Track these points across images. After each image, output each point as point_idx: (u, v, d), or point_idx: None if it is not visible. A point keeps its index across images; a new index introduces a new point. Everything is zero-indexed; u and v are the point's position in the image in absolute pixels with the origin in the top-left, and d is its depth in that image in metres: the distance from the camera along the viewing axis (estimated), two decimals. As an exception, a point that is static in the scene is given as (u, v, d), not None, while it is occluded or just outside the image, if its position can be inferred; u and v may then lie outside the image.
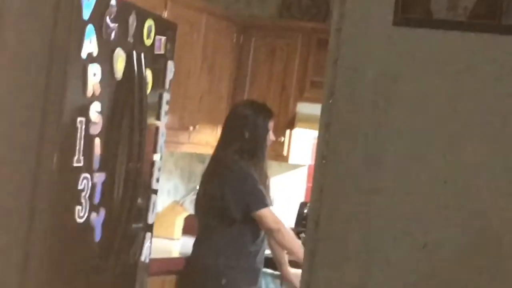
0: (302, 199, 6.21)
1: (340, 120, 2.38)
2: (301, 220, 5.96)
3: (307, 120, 5.91)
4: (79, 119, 3.37)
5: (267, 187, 4.66)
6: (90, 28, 3.38)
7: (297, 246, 4.58)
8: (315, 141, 5.69)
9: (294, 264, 4.87)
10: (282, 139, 5.98)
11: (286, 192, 6.17)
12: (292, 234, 4.63)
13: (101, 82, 3.46)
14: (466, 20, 2.34)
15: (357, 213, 2.31)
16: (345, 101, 2.39)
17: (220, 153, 4.66)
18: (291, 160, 6.07)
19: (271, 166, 5.88)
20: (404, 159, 2.30)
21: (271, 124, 4.69)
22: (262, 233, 4.58)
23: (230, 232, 4.48)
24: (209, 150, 4.95)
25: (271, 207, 4.52)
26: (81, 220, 3.43)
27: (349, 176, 2.33)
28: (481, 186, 2.25)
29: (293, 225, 6.03)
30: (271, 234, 4.51)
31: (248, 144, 4.58)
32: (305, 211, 5.97)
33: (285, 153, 6.03)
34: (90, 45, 3.39)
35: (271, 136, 4.69)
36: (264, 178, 4.64)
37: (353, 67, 2.40)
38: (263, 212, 4.48)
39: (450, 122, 2.30)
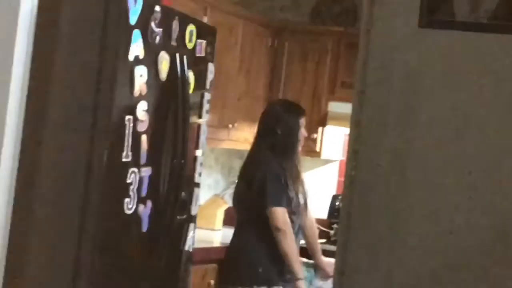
0: (334, 192, 6.22)
1: (370, 117, 2.40)
2: (334, 212, 5.97)
3: (338, 118, 5.92)
4: (127, 117, 3.39)
5: (299, 181, 4.65)
6: (136, 32, 3.40)
7: (294, 252, 4.51)
8: (346, 137, 5.72)
9: (328, 254, 4.88)
10: (315, 136, 6.00)
11: (319, 186, 6.18)
12: (293, 240, 4.52)
13: (147, 82, 3.48)
14: (487, 21, 2.36)
15: (386, 203, 2.33)
16: (375, 99, 2.41)
17: (255, 149, 4.67)
18: (323, 156, 6.09)
19: (305, 161, 5.91)
20: (431, 152, 2.32)
21: (302, 121, 4.68)
22: (296, 226, 4.58)
23: (262, 224, 4.50)
24: (247, 146, 4.98)
25: (283, 208, 4.46)
26: (130, 212, 3.45)
27: (378, 169, 2.35)
28: (503, 175, 2.27)
29: (326, 217, 6.05)
30: (277, 232, 4.46)
31: (280, 140, 4.58)
32: (337, 203, 5.97)
33: (317, 149, 6.05)
34: (136, 49, 3.41)
35: (303, 133, 4.69)
36: (296, 172, 4.62)
37: (382, 66, 2.42)
38: (275, 210, 4.45)
39: (473, 115, 2.32)
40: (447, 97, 2.35)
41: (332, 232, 5.93)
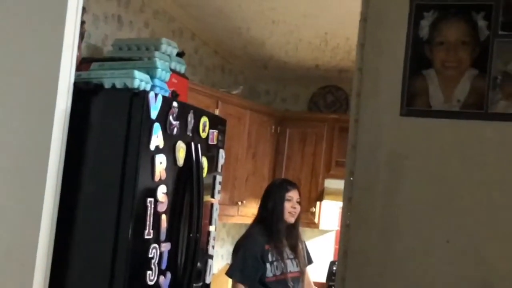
0: (331, 259, 6.14)
1: (360, 194, 2.37)
2: (331, 276, 5.88)
3: (334, 193, 5.88)
4: (149, 199, 3.37)
5: (297, 250, 4.54)
6: (157, 125, 3.40)
7: None
8: (340, 210, 5.68)
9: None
10: (313, 209, 5.95)
11: (318, 253, 6.11)
12: None
13: (166, 169, 3.46)
14: (459, 110, 2.34)
15: (376, 271, 2.29)
16: (363, 178, 2.38)
17: (249, 225, 4.59)
18: (321, 227, 6.03)
19: (305, 232, 5.85)
20: (414, 224, 2.28)
21: (290, 194, 4.52)
22: None
23: None
24: (254, 221, 4.91)
25: (239, 282, 4.24)
26: (152, 283, 3.40)
27: (368, 240, 2.31)
28: (481, 248, 2.23)
29: (324, 280, 5.96)
30: None
31: (266, 212, 4.51)
32: (334, 268, 5.89)
33: (316, 220, 5.99)
34: (157, 139, 3.41)
35: (290, 205, 4.52)
36: (279, 242, 4.49)
37: (369, 150, 2.39)
38: (232, 281, 4.29)
39: (448, 191, 2.29)
40: (426, 174, 2.33)
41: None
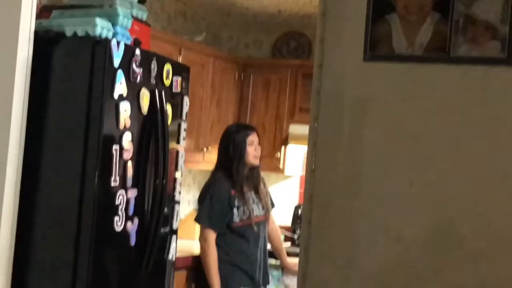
0: (296, 203, 6.19)
1: (324, 139, 2.38)
2: (296, 219, 5.93)
3: (298, 138, 5.89)
4: (114, 147, 3.36)
5: (260, 195, 4.55)
6: (120, 73, 3.37)
7: (212, 265, 4.34)
8: (305, 155, 5.71)
9: (293, 255, 4.84)
10: (278, 154, 5.97)
11: (283, 198, 6.16)
12: (211, 255, 4.34)
13: (130, 116, 3.45)
14: (422, 54, 2.34)
15: (341, 214, 2.30)
16: (327, 123, 2.39)
17: (212, 172, 4.59)
18: (286, 172, 6.06)
19: (270, 177, 5.87)
20: (377, 166, 2.30)
21: (250, 138, 4.53)
22: (252, 234, 4.47)
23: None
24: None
25: (208, 227, 4.32)
26: (119, 229, 3.41)
27: (333, 184, 2.32)
28: (445, 191, 2.25)
29: (290, 224, 6.01)
30: (200, 246, 4.38)
31: (228, 158, 4.51)
32: (299, 212, 5.94)
33: (281, 166, 6.02)
34: (120, 87, 3.38)
35: (250, 149, 4.51)
36: (244, 187, 4.47)
37: (333, 95, 2.40)
38: (200, 227, 4.38)
39: (408, 133, 2.31)
40: (388, 118, 2.34)
41: (295, 236, 5.89)
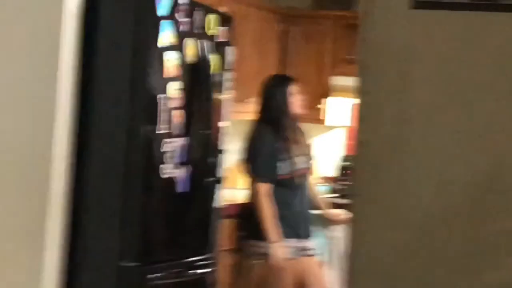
0: (339, 154, 6.18)
1: (373, 89, 2.39)
2: (343, 171, 5.95)
3: (340, 90, 5.90)
4: (159, 96, 3.40)
5: (299, 146, 4.57)
6: (164, 23, 3.40)
7: (269, 217, 4.38)
8: (351, 106, 5.70)
9: (337, 206, 4.87)
10: (319, 106, 5.98)
11: (326, 149, 6.18)
12: (268, 208, 4.39)
13: (175, 66, 3.48)
14: (470, 1, 2.33)
15: (390, 162, 2.32)
16: (376, 72, 2.39)
17: (252, 124, 4.60)
18: (326, 123, 6.08)
19: (311, 128, 5.89)
20: (426, 114, 2.31)
21: (290, 89, 4.55)
22: (298, 187, 4.50)
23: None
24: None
25: (264, 182, 4.36)
26: (166, 176, 3.47)
27: (383, 134, 2.34)
28: (489, 134, 2.26)
29: (335, 174, 6.03)
30: (255, 196, 4.41)
31: (270, 109, 4.52)
32: (345, 163, 5.94)
33: (322, 117, 6.04)
34: (165, 37, 3.41)
35: (292, 99, 4.53)
36: (294, 138, 4.53)
37: (380, 44, 2.40)
38: (253, 180, 4.43)
39: (459, 82, 2.31)
40: (436, 67, 2.34)
41: (340, 187, 5.88)
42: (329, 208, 4.91)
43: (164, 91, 3.42)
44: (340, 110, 6.14)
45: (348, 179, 5.63)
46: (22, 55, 3.32)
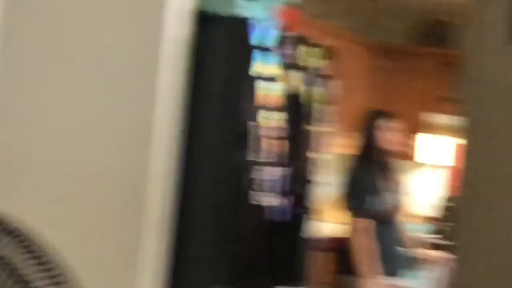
0: (436, 193, 6.06)
1: (476, 129, 2.34)
2: (444, 211, 5.83)
3: (433, 127, 5.84)
4: (250, 123, 3.41)
5: (389, 182, 4.53)
6: (264, 53, 3.43)
7: (361, 257, 4.35)
8: (451, 145, 5.59)
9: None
10: (410, 142, 5.94)
11: (419, 187, 6.10)
12: (362, 247, 4.36)
13: (275, 96, 3.51)
14: None
15: (499, 209, 2.26)
16: (478, 112, 2.35)
17: (351, 157, 4.59)
18: (418, 160, 6.02)
19: (401, 164, 5.84)
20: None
21: (384, 124, 4.54)
22: (388, 222, 4.46)
23: None
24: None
25: (359, 218, 4.32)
26: (255, 203, 3.47)
27: (490, 173, 2.30)
28: None
29: (429, 213, 5.93)
30: (351, 231, 4.37)
31: (365, 144, 4.50)
32: (446, 203, 5.84)
33: (413, 153, 5.99)
34: (261, 66, 3.43)
35: (385, 134, 4.53)
36: (384, 174, 4.51)
37: (483, 83, 2.36)
38: (348, 215, 4.39)
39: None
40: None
41: (438, 227, 5.76)
42: (422, 247, 4.84)
43: (255, 119, 3.43)
44: (433, 148, 6.08)
45: (448, 220, 5.56)
46: (120, 80, 3.39)
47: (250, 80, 3.41)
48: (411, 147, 5.95)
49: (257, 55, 3.42)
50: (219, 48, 3.43)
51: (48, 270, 1.72)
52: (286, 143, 3.62)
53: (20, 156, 3.45)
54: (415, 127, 5.93)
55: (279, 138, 3.58)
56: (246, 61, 3.39)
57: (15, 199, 3.32)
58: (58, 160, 3.41)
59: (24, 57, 3.47)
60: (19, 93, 3.48)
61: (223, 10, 3.46)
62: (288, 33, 3.60)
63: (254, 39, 3.40)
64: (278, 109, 3.54)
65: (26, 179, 3.43)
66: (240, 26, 3.40)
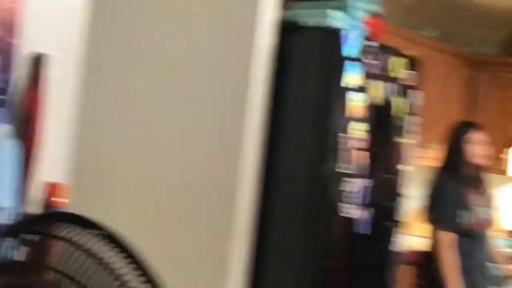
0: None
1: None
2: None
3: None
4: (340, 135, 3.41)
5: (480, 196, 4.44)
6: (351, 64, 3.42)
7: (448, 273, 4.18)
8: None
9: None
10: (502, 155, 5.80)
11: (507, 200, 5.97)
12: (448, 260, 4.20)
13: (360, 107, 3.49)
14: None
15: None
16: None
17: (435, 169, 4.51)
18: (509, 173, 5.88)
19: (492, 178, 5.71)
20: None
21: (471, 136, 4.39)
22: (478, 236, 4.35)
23: None
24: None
25: (446, 231, 4.19)
26: (345, 215, 3.47)
27: None
28: None
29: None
30: (436, 244, 4.24)
31: (451, 156, 4.40)
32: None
33: (504, 167, 5.85)
34: (349, 77, 3.42)
35: (474, 147, 4.36)
36: (470, 187, 4.33)
37: None
38: (434, 229, 4.27)
39: None
40: None
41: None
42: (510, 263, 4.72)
43: (344, 130, 3.42)
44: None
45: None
46: (211, 90, 3.43)
47: (340, 91, 3.40)
48: (502, 160, 5.81)
49: (347, 65, 3.41)
50: (310, 58, 3.45)
51: (143, 275, 1.78)
52: (372, 155, 3.59)
53: (109, 167, 3.52)
54: (506, 139, 5.80)
55: (366, 149, 3.56)
56: (336, 72, 3.39)
57: (108, 206, 3.39)
58: (148, 170, 3.47)
59: (111, 69, 3.55)
60: (108, 107, 3.56)
61: (313, 20, 3.47)
62: (374, 43, 3.57)
63: (344, 50, 3.40)
64: (364, 120, 3.52)
65: (116, 188, 3.50)
66: (331, 36, 3.41)
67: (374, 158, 3.63)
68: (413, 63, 4.00)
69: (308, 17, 3.50)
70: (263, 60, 3.40)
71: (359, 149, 3.53)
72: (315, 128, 3.40)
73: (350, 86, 3.43)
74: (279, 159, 3.47)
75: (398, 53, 3.83)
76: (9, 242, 1.89)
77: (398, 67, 3.80)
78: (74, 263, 1.76)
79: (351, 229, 3.54)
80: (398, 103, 3.77)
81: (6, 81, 2.93)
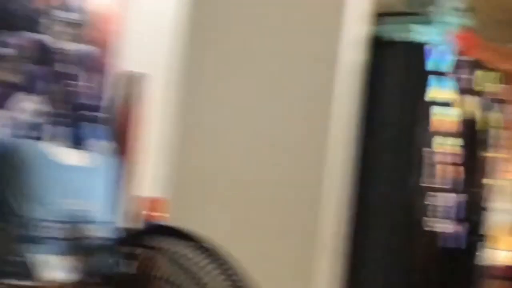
0: None
1: None
2: None
3: None
4: (424, 149, 3.40)
5: None
6: (440, 78, 3.43)
7: None
8: None
9: None
10: None
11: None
12: None
13: (449, 121, 3.49)
14: None
15: None
16: None
17: None
18: None
19: None
20: None
21: None
22: None
23: None
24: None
25: None
26: (429, 229, 3.45)
27: None
28: None
29: None
30: None
31: None
32: None
33: None
34: (434, 91, 3.42)
35: None
36: None
37: None
38: None
39: None
40: None
41: None
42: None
43: (429, 144, 3.42)
44: None
45: None
46: (298, 100, 3.44)
47: (425, 106, 3.41)
48: None
49: (432, 80, 3.41)
50: (395, 73, 3.47)
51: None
52: (461, 169, 3.57)
53: (207, 179, 3.58)
54: None
55: (454, 164, 3.54)
56: (421, 86, 3.40)
57: (206, 217, 3.44)
58: (248, 182, 3.51)
59: (207, 85, 3.62)
60: (205, 121, 3.62)
61: (398, 35, 3.48)
62: (464, 57, 3.56)
63: (429, 64, 3.40)
64: (454, 134, 3.51)
65: (215, 199, 3.55)
66: (416, 51, 3.41)
67: (462, 172, 3.61)
68: (502, 77, 3.96)
69: (394, 32, 3.51)
70: (349, 75, 3.42)
71: (451, 163, 3.51)
72: (400, 143, 3.41)
73: (437, 100, 3.42)
74: (366, 173, 3.47)
75: (489, 68, 3.81)
76: (116, 255, 1.96)
77: (490, 82, 3.77)
78: (179, 275, 1.82)
79: (438, 243, 3.52)
80: (490, 118, 3.74)
81: (104, 99, 3.03)
